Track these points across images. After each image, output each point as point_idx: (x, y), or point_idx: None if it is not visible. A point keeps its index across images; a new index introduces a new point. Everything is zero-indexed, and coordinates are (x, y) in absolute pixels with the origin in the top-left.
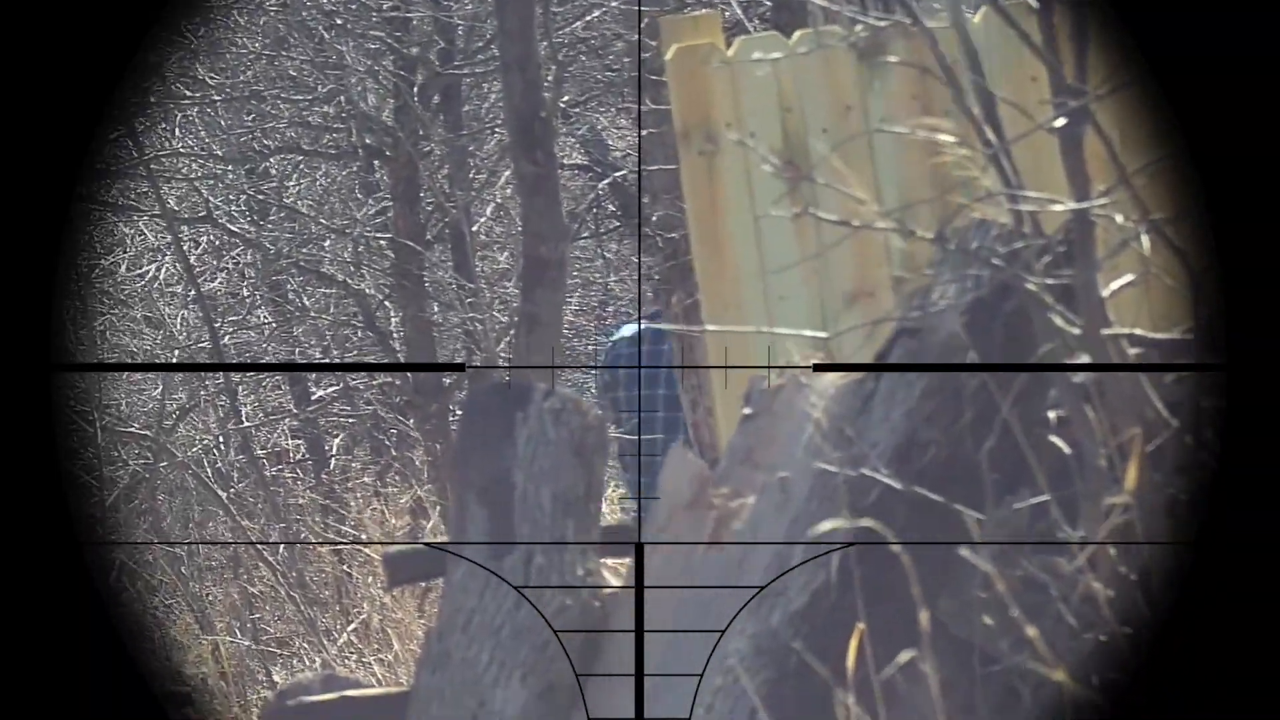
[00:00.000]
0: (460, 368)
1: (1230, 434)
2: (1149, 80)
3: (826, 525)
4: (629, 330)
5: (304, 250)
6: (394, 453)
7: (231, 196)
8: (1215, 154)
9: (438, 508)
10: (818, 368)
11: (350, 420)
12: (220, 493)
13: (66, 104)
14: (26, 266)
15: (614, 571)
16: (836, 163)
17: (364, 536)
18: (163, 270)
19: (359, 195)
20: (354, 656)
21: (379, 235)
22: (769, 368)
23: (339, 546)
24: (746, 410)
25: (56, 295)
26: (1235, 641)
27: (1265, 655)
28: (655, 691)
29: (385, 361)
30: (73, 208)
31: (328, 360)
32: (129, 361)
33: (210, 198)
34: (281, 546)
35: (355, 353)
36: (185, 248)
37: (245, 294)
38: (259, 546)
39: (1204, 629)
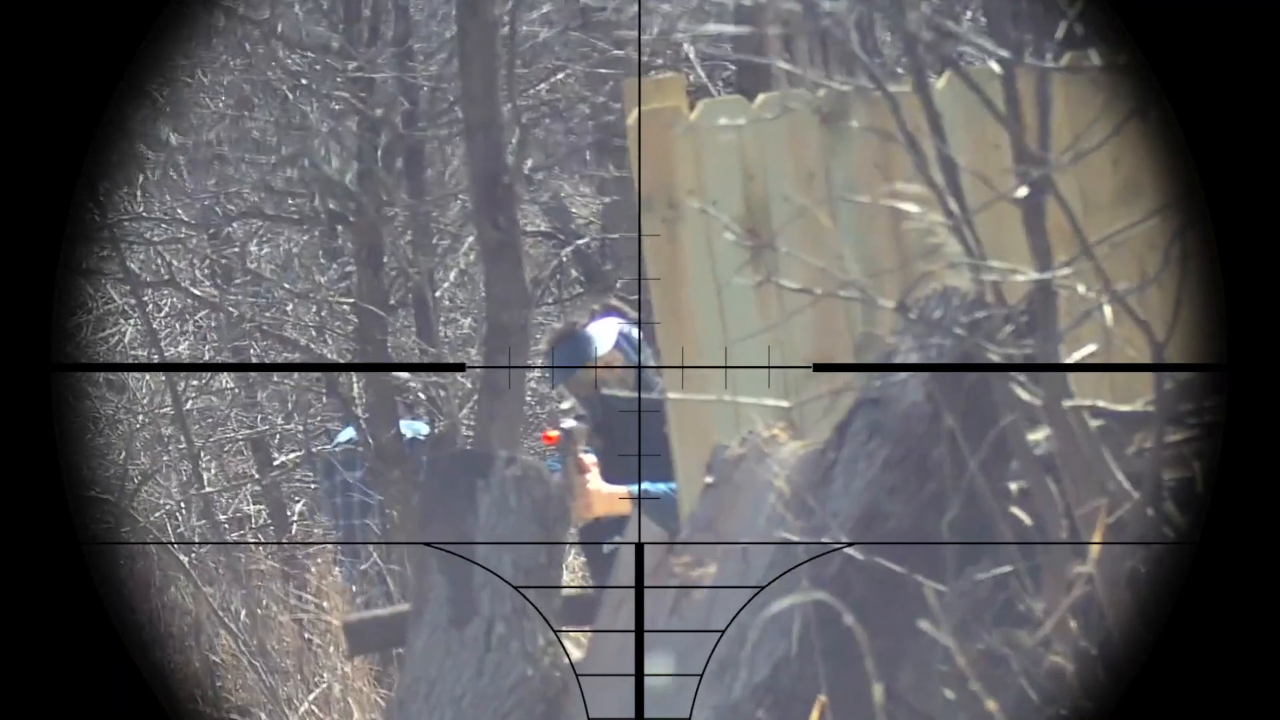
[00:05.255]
0: (460, 367)
1: (1230, 435)
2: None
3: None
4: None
5: (267, 315)
6: (356, 519)
7: (195, 260)
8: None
9: (398, 575)
10: (817, 368)
11: (312, 485)
12: (181, 558)
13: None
14: (24, 267)
15: (575, 643)
16: (798, 231)
17: (325, 604)
18: (126, 334)
19: (322, 260)
20: None
21: (342, 300)
22: (769, 367)
23: (302, 615)
24: (708, 479)
25: (55, 296)
26: (1234, 637)
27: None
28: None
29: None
30: (71, 216)
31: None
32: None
33: (173, 261)
34: (243, 613)
35: (319, 418)
36: (148, 311)
37: (208, 358)
38: (220, 614)
39: (1204, 627)
